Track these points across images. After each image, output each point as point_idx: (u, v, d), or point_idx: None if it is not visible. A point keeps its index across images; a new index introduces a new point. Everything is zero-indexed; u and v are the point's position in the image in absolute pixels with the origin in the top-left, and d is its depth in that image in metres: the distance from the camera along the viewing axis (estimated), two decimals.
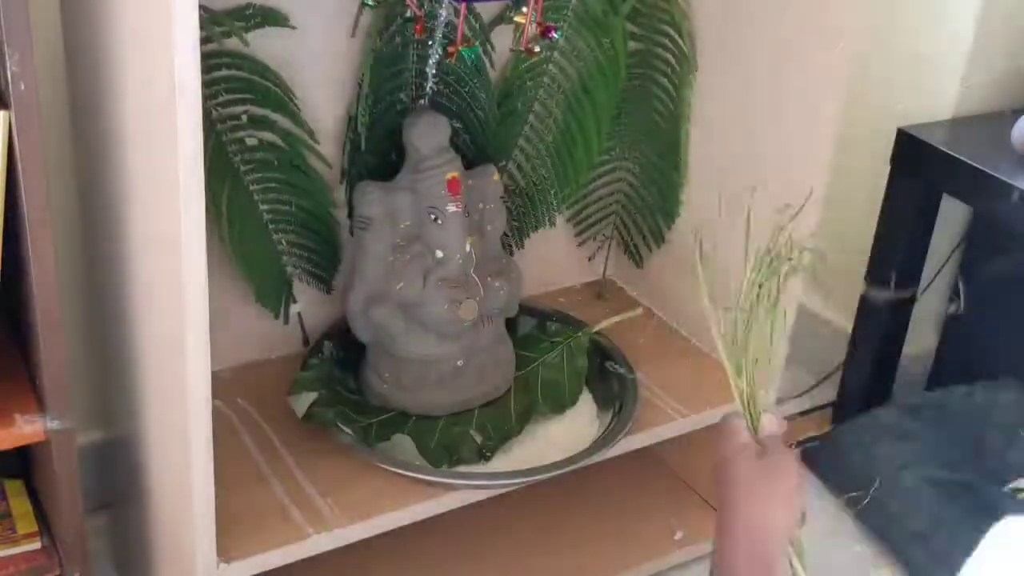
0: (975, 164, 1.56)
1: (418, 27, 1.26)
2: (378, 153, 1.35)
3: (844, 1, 1.26)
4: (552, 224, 1.56)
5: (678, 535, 1.53)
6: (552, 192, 1.52)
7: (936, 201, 1.68)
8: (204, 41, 0.90)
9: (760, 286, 0.95)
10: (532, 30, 1.21)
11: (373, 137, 1.34)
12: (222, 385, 1.34)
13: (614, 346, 1.48)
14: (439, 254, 1.29)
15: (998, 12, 1.68)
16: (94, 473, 1.44)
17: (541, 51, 1.41)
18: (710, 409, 1.43)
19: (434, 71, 1.34)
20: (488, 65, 1.39)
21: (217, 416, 1.06)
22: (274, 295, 1.37)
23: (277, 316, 1.38)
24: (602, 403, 1.43)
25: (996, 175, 1.54)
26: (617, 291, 1.68)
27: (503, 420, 1.36)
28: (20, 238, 1.03)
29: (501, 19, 1.38)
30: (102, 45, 1.10)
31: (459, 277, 1.30)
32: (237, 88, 1.24)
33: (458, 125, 1.37)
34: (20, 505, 1.24)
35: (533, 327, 1.50)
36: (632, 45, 1.48)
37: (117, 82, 1.08)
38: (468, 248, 1.30)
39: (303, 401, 1.31)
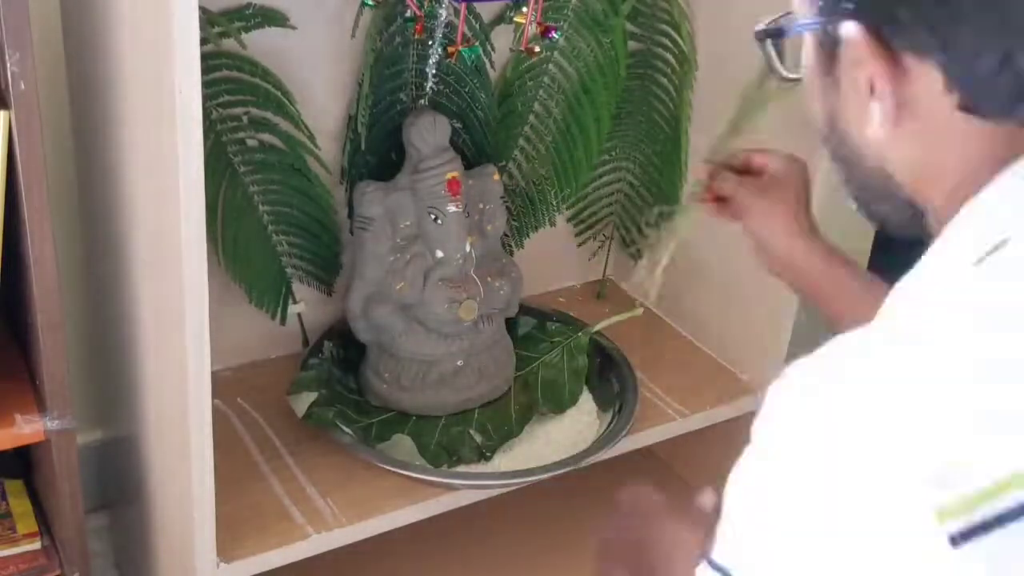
0: None
1: (418, 27, 1.26)
2: (378, 153, 1.35)
3: None
4: (552, 224, 1.56)
5: None
6: (552, 192, 1.52)
7: None
8: (202, 42, 0.90)
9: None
10: (532, 30, 1.21)
11: (373, 137, 1.33)
12: (222, 385, 1.34)
13: (614, 346, 1.48)
14: (439, 254, 1.29)
15: None
16: (94, 473, 1.44)
17: (541, 51, 1.41)
18: (710, 409, 1.44)
19: (434, 71, 1.34)
20: (488, 65, 1.39)
21: (217, 416, 1.07)
22: (272, 296, 1.37)
23: (275, 317, 1.38)
24: (602, 403, 1.43)
25: None
26: (617, 291, 1.68)
27: (503, 420, 1.36)
28: (20, 238, 1.03)
29: (501, 19, 1.38)
30: (102, 45, 1.10)
31: (459, 277, 1.30)
32: (238, 89, 1.24)
33: (458, 125, 1.37)
34: (20, 505, 1.24)
35: (533, 327, 1.50)
36: (632, 45, 1.48)
37: (117, 82, 1.08)
38: (468, 248, 1.30)
39: (303, 401, 1.31)
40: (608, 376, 1.44)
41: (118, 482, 1.41)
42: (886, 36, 0.63)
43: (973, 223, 0.62)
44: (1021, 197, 0.61)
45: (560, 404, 1.40)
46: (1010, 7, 0.59)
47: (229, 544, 1.13)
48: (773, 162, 1.10)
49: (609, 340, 1.49)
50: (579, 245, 1.64)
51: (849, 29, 0.64)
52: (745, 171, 1.11)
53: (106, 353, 1.35)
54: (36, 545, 1.20)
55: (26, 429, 1.08)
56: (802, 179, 1.09)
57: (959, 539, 0.52)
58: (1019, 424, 0.53)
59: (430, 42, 1.31)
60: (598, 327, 1.49)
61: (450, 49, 1.27)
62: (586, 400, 1.43)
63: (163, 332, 1.09)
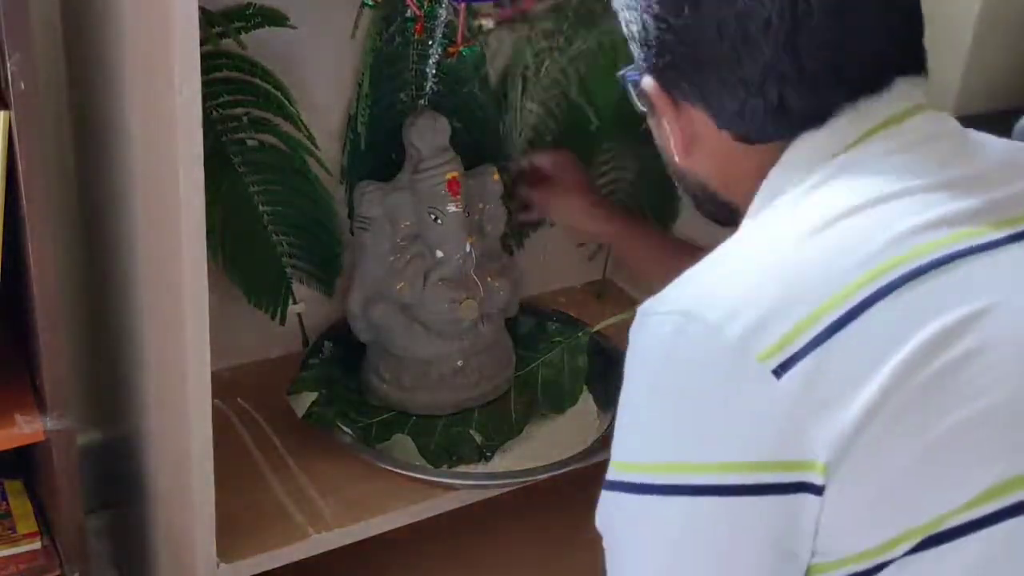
0: None
1: (418, 27, 1.26)
2: (378, 153, 1.35)
3: None
4: (552, 224, 1.56)
5: None
6: None
7: None
8: (202, 42, 0.90)
9: None
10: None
11: (373, 137, 1.33)
12: (222, 385, 1.34)
13: (614, 346, 1.48)
14: (439, 254, 1.29)
15: (998, 12, 1.68)
16: (94, 473, 1.44)
17: (544, 47, 1.40)
18: None
19: (434, 71, 1.34)
20: (488, 65, 1.39)
21: (217, 416, 1.07)
22: (272, 296, 1.37)
23: (274, 317, 1.38)
24: (602, 403, 1.43)
25: None
26: (617, 291, 1.68)
27: (503, 420, 1.36)
28: (20, 238, 1.03)
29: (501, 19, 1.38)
30: (102, 45, 1.10)
31: (459, 277, 1.30)
32: (238, 90, 1.24)
33: (458, 125, 1.37)
34: (20, 505, 1.24)
35: (533, 327, 1.50)
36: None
37: (117, 82, 1.08)
38: (468, 248, 1.30)
39: (303, 401, 1.31)
40: (608, 376, 1.44)
41: (118, 482, 1.41)
42: (669, 90, 0.83)
43: (756, 209, 0.81)
44: (780, 183, 0.80)
45: (560, 404, 1.40)
46: (737, 71, 0.78)
47: (229, 544, 1.13)
48: (547, 159, 1.40)
49: (609, 340, 1.49)
50: (579, 245, 1.64)
51: (647, 83, 0.85)
52: (535, 175, 1.41)
53: (106, 353, 1.35)
54: (36, 545, 1.20)
55: (26, 429, 1.08)
56: (575, 164, 1.41)
57: (779, 371, 0.66)
58: (810, 279, 0.69)
59: (430, 42, 1.31)
60: (598, 327, 1.49)
61: (450, 49, 1.27)
62: (586, 400, 1.43)
63: (163, 332, 1.09)
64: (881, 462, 0.67)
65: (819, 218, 0.73)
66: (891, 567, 0.68)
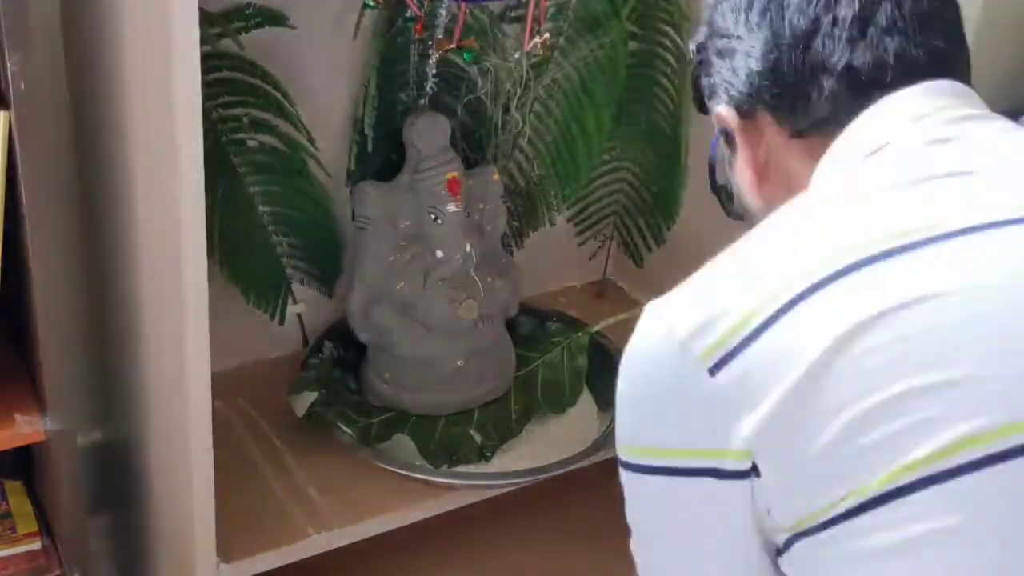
0: None
1: (419, 27, 1.26)
2: (379, 153, 1.35)
3: None
4: (552, 224, 1.56)
5: None
6: (552, 192, 1.52)
7: None
8: (202, 43, 0.90)
9: None
10: (537, 38, 1.22)
11: (375, 137, 1.34)
12: (222, 385, 1.34)
13: (614, 346, 1.48)
14: (439, 254, 1.29)
15: (999, 13, 1.68)
16: (94, 473, 1.44)
17: (547, 50, 1.40)
18: None
19: (434, 71, 1.34)
20: (488, 65, 1.39)
21: (217, 416, 1.07)
22: (271, 297, 1.37)
23: (274, 317, 1.38)
24: (602, 403, 1.43)
25: None
26: (617, 291, 1.68)
27: (503, 420, 1.36)
28: (20, 238, 1.03)
29: (501, 19, 1.38)
30: (102, 45, 1.10)
31: (459, 277, 1.30)
32: (238, 90, 1.24)
33: (458, 125, 1.37)
34: (20, 505, 1.24)
35: (533, 327, 1.50)
36: (632, 45, 1.48)
37: (117, 82, 1.08)
38: (468, 248, 1.29)
39: (303, 401, 1.31)
40: (608, 376, 1.44)
41: (118, 482, 1.41)
42: (743, 108, 0.82)
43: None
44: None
45: (560, 404, 1.40)
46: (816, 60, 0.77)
47: (229, 544, 1.13)
48: None
49: (609, 340, 1.49)
50: (579, 245, 1.64)
51: (726, 113, 0.83)
52: None
53: (106, 353, 1.35)
54: (36, 545, 1.20)
55: (26, 429, 1.08)
56: None
57: (714, 369, 0.71)
58: (754, 281, 0.72)
59: (430, 42, 1.31)
60: (598, 327, 1.49)
61: (448, 47, 1.26)
62: (586, 400, 1.43)
63: (163, 332, 1.09)
64: (802, 445, 0.69)
65: (782, 223, 0.76)
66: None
